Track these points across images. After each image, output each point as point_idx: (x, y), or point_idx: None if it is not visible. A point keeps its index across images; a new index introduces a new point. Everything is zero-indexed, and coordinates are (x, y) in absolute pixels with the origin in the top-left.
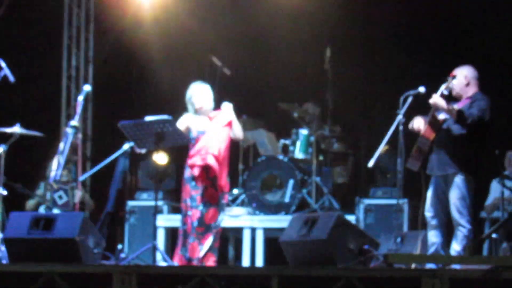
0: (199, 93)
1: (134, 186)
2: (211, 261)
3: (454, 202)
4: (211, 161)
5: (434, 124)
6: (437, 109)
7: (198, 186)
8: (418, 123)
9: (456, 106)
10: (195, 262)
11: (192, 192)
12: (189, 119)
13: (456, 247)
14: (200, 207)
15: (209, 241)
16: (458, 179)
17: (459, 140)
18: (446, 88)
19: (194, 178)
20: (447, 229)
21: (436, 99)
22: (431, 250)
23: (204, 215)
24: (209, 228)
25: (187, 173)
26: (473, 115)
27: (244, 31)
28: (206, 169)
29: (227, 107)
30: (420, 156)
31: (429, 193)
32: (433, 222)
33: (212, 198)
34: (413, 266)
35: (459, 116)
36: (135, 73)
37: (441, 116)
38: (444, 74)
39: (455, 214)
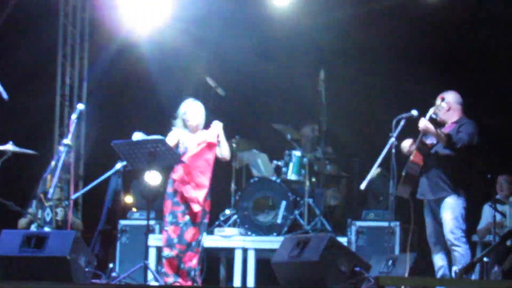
0: (193, 109)
1: (126, 205)
2: (199, 281)
3: (447, 224)
4: (196, 202)
5: (422, 149)
6: (426, 133)
7: (179, 203)
8: (407, 143)
9: (444, 131)
10: (171, 278)
11: (173, 208)
12: (178, 134)
13: (456, 270)
14: (181, 225)
15: (194, 261)
16: (450, 201)
17: (449, 163)
18: (434, 112)
19: (176, 194)
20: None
21: (425, 123)
22: (439, 273)
23: (184, 233)
24: (190, 247)
25: (170, 188)
26: (463, 139)
27: (238, 52)
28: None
29: (217, 126)
30: (410, 182)
31: (427, 219)
32: (437, 246)
33: (194, 217)
34: None
35: (449, 141)
36: (129, 92)
37: (429, 140)
38: (436, 97)
39: (448, 235)
